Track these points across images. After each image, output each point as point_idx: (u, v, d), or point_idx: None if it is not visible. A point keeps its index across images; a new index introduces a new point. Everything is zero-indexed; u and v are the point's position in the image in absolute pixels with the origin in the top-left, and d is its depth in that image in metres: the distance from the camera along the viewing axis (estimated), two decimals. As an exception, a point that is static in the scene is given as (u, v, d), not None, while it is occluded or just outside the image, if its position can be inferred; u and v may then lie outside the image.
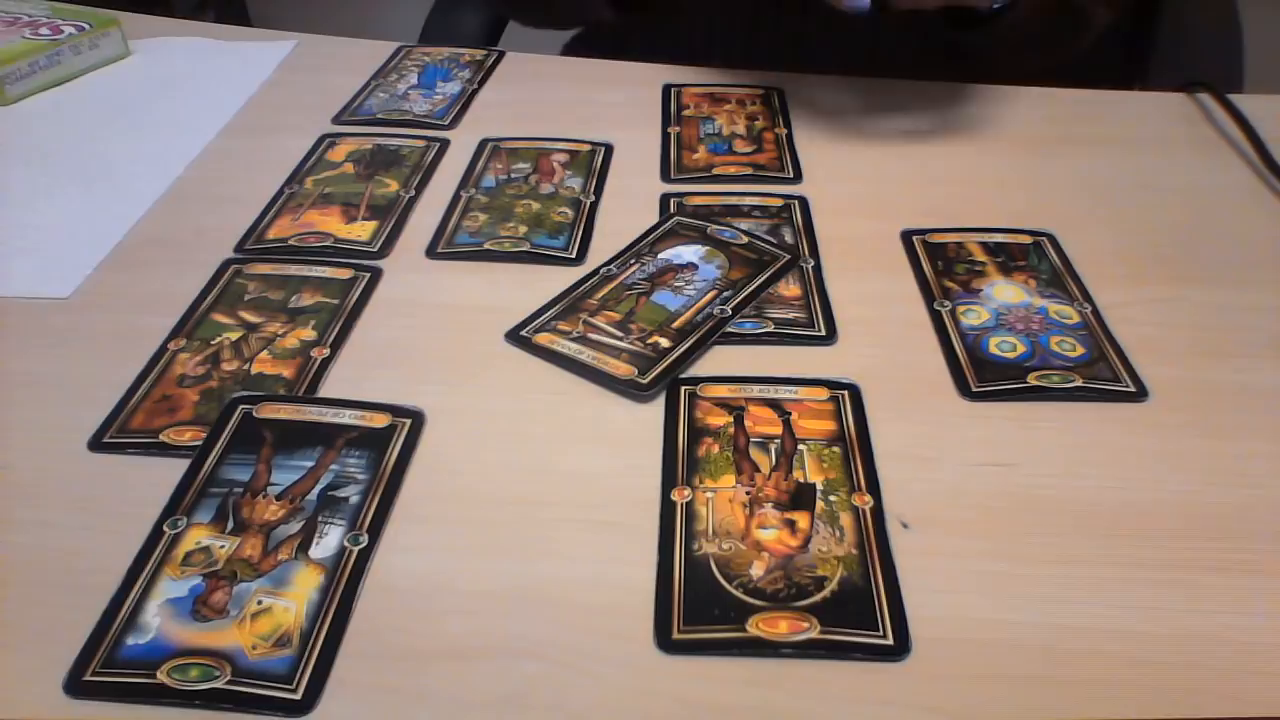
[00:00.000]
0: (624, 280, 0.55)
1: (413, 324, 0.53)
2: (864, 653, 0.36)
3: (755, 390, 0.48)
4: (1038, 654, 0.36)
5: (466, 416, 0.47)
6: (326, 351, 0.50)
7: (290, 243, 0.58)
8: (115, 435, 0.45)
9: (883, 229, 0.60)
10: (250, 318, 0.52)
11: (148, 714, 0.35)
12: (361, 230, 0.59)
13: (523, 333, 0.51)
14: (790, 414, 0.46)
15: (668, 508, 0.42)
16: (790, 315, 0.53)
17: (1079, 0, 0.75)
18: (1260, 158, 0.65)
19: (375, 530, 0.41)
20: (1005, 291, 0.54)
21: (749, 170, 0.66)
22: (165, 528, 0.41)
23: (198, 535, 0.40)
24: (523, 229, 0.60)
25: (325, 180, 0.64)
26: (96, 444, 0.45)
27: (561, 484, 0.43)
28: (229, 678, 0.35)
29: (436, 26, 0.96)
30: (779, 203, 0.62)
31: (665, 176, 0.65)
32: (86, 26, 0.79)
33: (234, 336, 0.51)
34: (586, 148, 0.68)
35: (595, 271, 0.56)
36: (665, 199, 0.63)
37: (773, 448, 0.44)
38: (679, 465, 0.44)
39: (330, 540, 0.40)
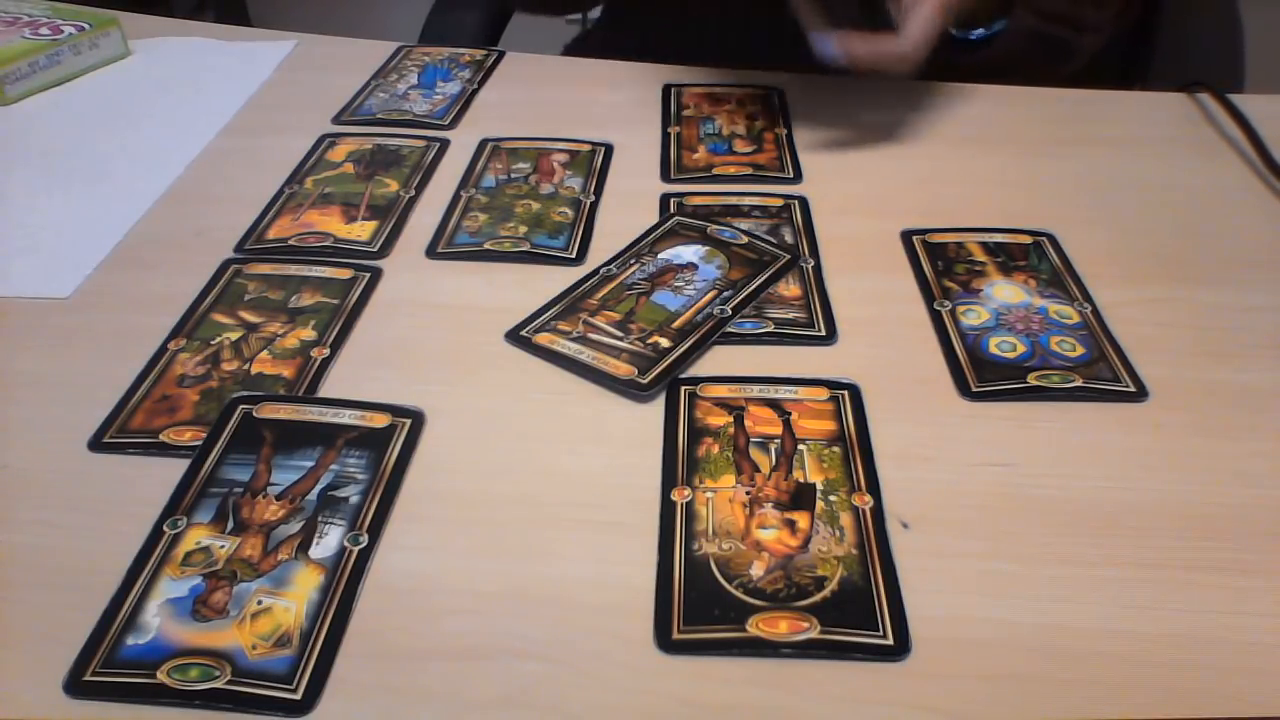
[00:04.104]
0: (624, 280, 0.55)
1: (413, 324, 0.53)
2: (864, 653, 0.36)
3: (755, 390, 0.48)
4: (1038, 654, 0.36)
5: (466, 416, 0.47)
6: (326, 351, 0.50)
7: (290, 243, 0.58)
8: (115, 435, 0.45)
9: (883, 229, 0.60)
10: (250, 318, 0.52)
11: (148, 714, 0.35)
12: (361, 230, 0.59)
13: (523, 333, 0.51)
14: (790, 414, 0.46)
15: (668, 508, 0.42)
16: (790, 315, 0.53)
17: (1062, 32, 0.75)
18: (1260, 158, 0.65)
19: (375, 530, 0.41)
20: (1005, 291, 0.54)
21: (749, 170, 0.66)
22: (165, 528, 0.41)
23: (198, 535, 0.40)
24: (523, 229, 0.60)
25: (325, 180, 0.64)
26: (96, 444, 0.45)
27: (561, 484, 0.43)
28: (229, 678, 0.35)
29: (436, 26, 0.96)
30: (779, 203, 0.62)
31: (665, 176, 0.65)
32: (86, 26, 0.79)
33: (234, 336, 0.51)
34: (586, 148, 0.68)
35: (595, 271, 0.56)
36: (665, 199, 0.63)
37: (773, 448, 0.44)
38: (679, 465, 0.44)
39: (330, 540, 0.40)
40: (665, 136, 0.70)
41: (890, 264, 0.57)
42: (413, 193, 0.63)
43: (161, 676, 0.35)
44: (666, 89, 0.75)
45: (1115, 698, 0.35)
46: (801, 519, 0.41)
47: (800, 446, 0.45)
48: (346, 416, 0.46)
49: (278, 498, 0.42)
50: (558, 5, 0.93)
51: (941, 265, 0.56)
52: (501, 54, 0.82)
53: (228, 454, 0.44)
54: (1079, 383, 0.48)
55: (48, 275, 0.56)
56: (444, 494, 0.43)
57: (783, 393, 0.47)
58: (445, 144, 0.69)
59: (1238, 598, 0.38)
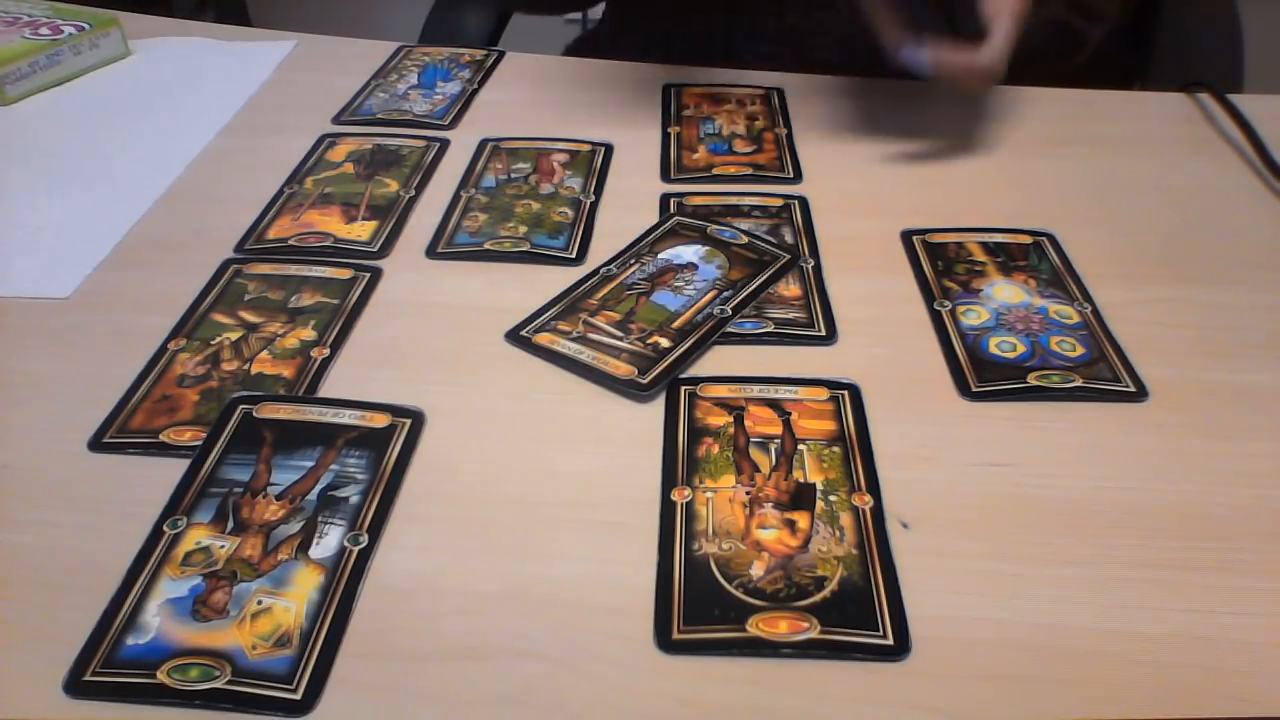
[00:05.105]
0: (624, 280, 0.55)
1: (413, 324, 0.53)
2: (864, 653, 0.36)
3: (755, 390, 0.48)
4: (1038, 654, 0.37)
5: (466, 416, 0.47)
6: (326, 351, 0.50)
7: (290, 243, 0.58)
8: (115, 435, 0.45)
9: (883, 229, 0.60)
10: (250, 318, 0.52)
11: (148, 714, 0.35)
12: (361, 230, 0.59)
13: (523, 333, 0.51)
14: (790, 414, 0.46)
15: (668, 508, 0.42)
16: (790, 315, 0.53)
17: (1076, 23, 0.75)
18: (1260, 158, 0.65)
19: (375, 530, 0.41)
20: (1005, 291, 0.54)
21: (749, 170, 0.66)
22: (165, 528, 0.41)
23: (198, 535, 0.40)
24: (523, 229, 0.60)
25: (325, 180, 0.64)
26: (96, 444, 0.45)
27: (561, 484, 0.43)
28: (229, 678, 0.35)
29: (436, 26, 0.96)
30: (779, 203, 0.62)
31: (665, 176, 0.65)
32: (86, 26, 0.79)
33: (234, 336, 0.51)
34: (586, 148, 0.68)
35: (595, 271, 0.56)
36: (665, 199, 0.63)
37: (773, 448, 0.44)
38: (679, 465, 0.44)
39: (330, 540, 0.40)
40: (665, 136, 0.70)
41: (890, 264, 0.57)
42: (413, 193, 0.63)
43: (161, 676, 0.35)
44: (666, 89, 0.75)
45: (1115, 698, 0.35)
46: (801, 519, 0.41)
47: (800, 446, 0.45)
48: (346, 416, 0.46)
49: (278, 498, 0.42)
50: (558, 5, 0.93)
51: (941, 265, 0.56)
52: (501, 54, 0.82)
53: (228, 454, 0.44)
54: (1079, 383, 0.48)
55: (48, 275, 0.56)
56: (444, 494, 0.43)
57: (783, 393, 0.47)
58: (445, 144, 0.69)
59: (1238, 598, 0.38)
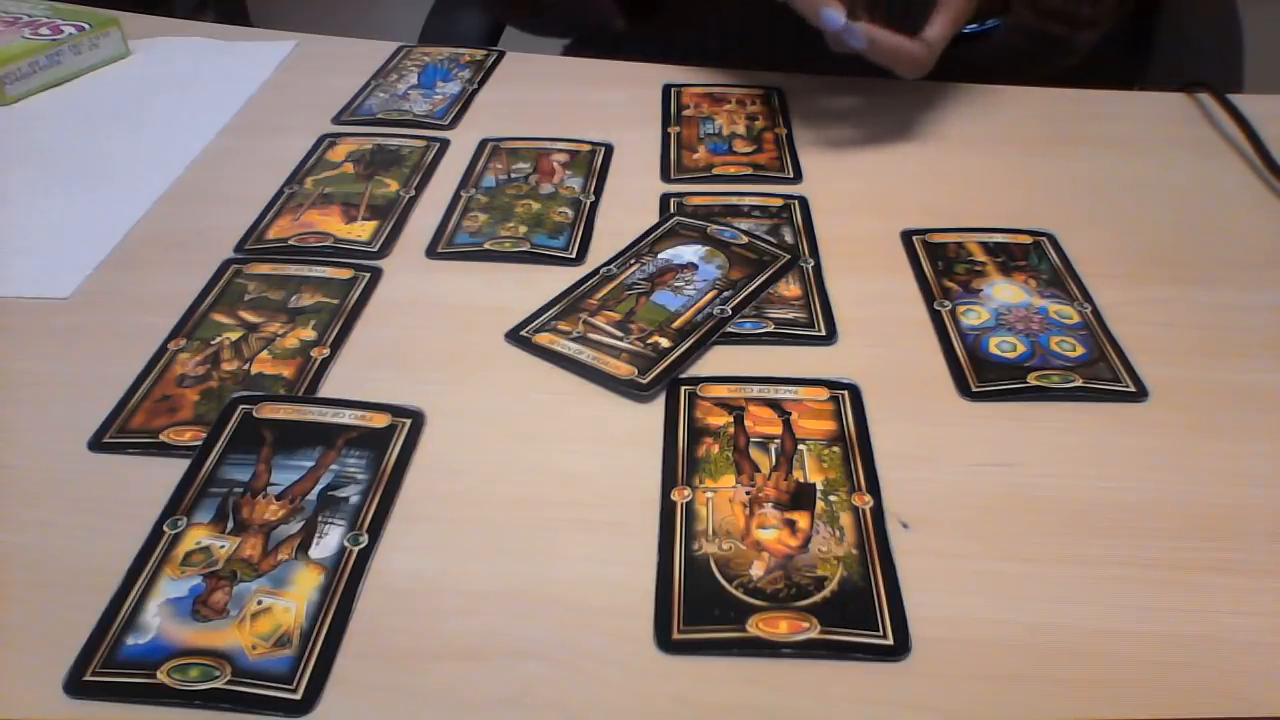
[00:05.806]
0: (624, 280, 0.55)
1: (413, 324, 0.53)
2: (864, 653, 0.36)
3: (755, 390, 0.48)
4: (1038, 654, 0.37)
5: (466, 416, 0.47)
6: (326, 351, 0.50)
7: (290, 243, 0.58)
8: (115, 435, 0.45)
9: (883, 229, 0.60)
10: (250, 318, 0.52)
11: (148, 714, 0.35)
12: (361, 230, 0.59)
13: (523, 333, 0.51)
14: (790, 414, 0.46)
15: (668, 508, 0.42)
16: (790, 315, 0.53)
17: (1057, 30, 0.75)
18: (1260, 158, 0.65)
19: (375, 530, 0.41)
20: (1005, 291, 0.54)
21: (749, 170, 0.66)
22: (165, 528, 0.41)
23: (198, 535, 0.40)
24: (523, 229, 0.60)
25: (325, 180, 0.64)
26: (96, 444, 0.45)
27: (561, 484, 0.43)
28: (229, 678, 0.35)
29: (436, 27, 0.96)
30: (779, 203, 0.62)
31: (665, 176, 0.65)
32: (86, 26, 0.79)
33: (234, 336, 0.51)
34: (586, 148, 0.68)
35: (595, 271, 0.56)
36: (665, 199, 0.63)
37: (773, 448, 0.44)
38: (679, 465, 0.44)
39: (330, 540, 0.40)
40: (665, 136, 0.70)
41: (890, 264, 0.57)
42: (413, 193, 0.63)
43: (161, 676, 0.35)
44: (666, 89, 0.75)
45: (1115, 698, 0.35)
46: (801, 519, 0.41)
47: (800, 446, 0.45)
48: (346, 416, 0.46)
49: (278, 498, 0.42)
50: (553, 27, 0.93)
51: (941, 265, 0.56)
52: (501, 54, 0.82)
53: (228, 454, 0.44)
54: (1079, 383, 0.48)
55: (48, 275, 0.56)
56: (444, 494, 0.43)
57: (783, 393, 0.47)
58: (445, 144, 0.69)
59: (1238, 598, 0.38)
